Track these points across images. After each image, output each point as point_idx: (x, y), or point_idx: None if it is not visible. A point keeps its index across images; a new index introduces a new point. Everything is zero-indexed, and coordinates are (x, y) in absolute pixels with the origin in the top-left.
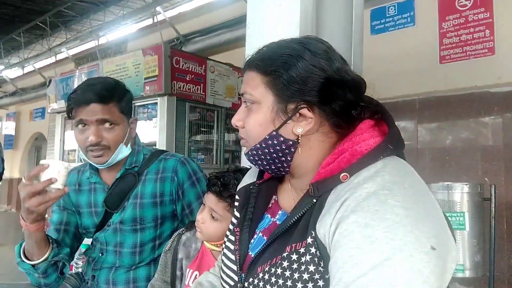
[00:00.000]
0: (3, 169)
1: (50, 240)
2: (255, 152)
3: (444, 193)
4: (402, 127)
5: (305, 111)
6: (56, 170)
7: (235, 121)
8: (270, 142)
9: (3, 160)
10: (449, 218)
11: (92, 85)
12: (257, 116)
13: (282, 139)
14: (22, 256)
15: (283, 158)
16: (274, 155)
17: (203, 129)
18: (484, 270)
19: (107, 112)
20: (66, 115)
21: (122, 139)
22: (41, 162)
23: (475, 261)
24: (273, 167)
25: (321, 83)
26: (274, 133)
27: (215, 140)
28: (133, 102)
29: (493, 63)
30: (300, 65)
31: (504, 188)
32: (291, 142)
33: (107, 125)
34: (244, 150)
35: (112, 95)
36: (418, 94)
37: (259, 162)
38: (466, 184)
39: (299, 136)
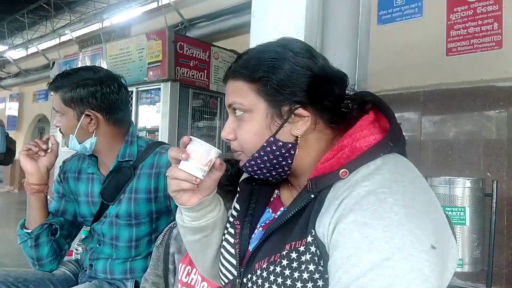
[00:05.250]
0: (8, 148)
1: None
2: (253, 163)
3: (446, 187)
4: (406, 118)
5: (300, 110)
6: (205, 153)
7: (226, 134)
8: (268, 149)
9: (8, 138)
10: (450, 213)
11: (60, 73)
12: (250, 125)
13: (281, 143)
14: (22, 227)
15: (284, 162)
16: (275, 161)
17: (205, 116)
18: (483, 265)
19: (55, 101)
20: None
21: (70, 131)
22: (184, 139)
23: (474, 256)
24: (274, 173)
25: (309, 81)
26: (272, 139)
27: (217, 127)
28: (111, 95)
29: (500, 57)
30: (286, 66)
31: (506, 183)
32: (290, 145)
33: (58, 113)
34: (240, 162)
35: (60, 85)
36: (424, 86)
37: (259, 171)
38: (468, 179)
39: (298, 137)
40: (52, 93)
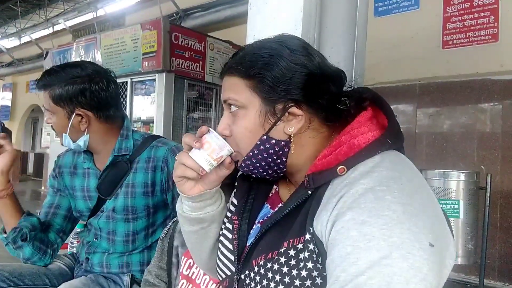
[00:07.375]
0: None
1: (24, 212)
2: (248, 162)
3: (440, 180)
4: (401, 111)
5: (294, 109)
6: (219, 147)
7: (221, 129)
8: (262, 147)
9: (3, 129)
10: (444, 206)
11: (47, 70)
12: (245, 122)
13: (274, 141)
14: (2, 231)
15: (279, 161)
16: (269, 159)
17: (201, 107)
18: (476, 258)
19: (44, 99)
20: None
21: (62, 129)
22: (202, 128)
23: (468, 249)
24: (270, 172)
25: (304, 79)
26: (265, 137)
27: (213, 119)
28: (105, 92)
29: (496, 50)
30: (282, 64)
31: (499, 176)
32: (284, 143)
33: (49, 112)
34: (238, 163)
35: (48, 83)
36: (419, 79)
37: (255, 171)
38: (462, 172)
39: (291, 135)
40: (41, 91)
